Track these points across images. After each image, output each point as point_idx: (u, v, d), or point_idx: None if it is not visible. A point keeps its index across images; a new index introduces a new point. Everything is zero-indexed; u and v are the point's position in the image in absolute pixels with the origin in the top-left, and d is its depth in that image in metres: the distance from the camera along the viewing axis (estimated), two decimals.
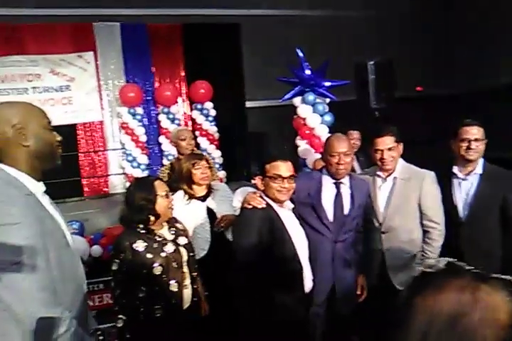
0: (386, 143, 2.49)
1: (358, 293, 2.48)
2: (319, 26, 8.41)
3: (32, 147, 1.39)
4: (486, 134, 2.57)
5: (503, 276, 0.73)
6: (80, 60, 7.92)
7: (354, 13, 8.70)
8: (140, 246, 2.10)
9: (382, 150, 2.50)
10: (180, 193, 2.67)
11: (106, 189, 7.95)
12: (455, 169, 2.64)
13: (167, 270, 2.10)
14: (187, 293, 2.18)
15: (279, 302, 2.02)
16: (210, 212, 2.66)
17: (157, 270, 2.08)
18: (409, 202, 2.51)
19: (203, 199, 2.69)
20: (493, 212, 2.51)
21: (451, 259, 0.78)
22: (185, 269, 2.19)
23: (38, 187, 1.43)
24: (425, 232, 2.52)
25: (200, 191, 2.69)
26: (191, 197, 2.66)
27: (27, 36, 7.60)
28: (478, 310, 0.68)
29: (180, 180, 2.70)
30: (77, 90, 7.85)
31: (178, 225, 2.32)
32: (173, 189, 2.78)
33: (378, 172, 2.59)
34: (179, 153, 3.50)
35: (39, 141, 1.40)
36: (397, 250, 2.49)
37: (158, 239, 2.16)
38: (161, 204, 2.14)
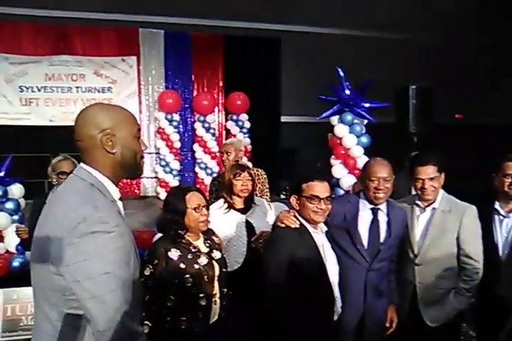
0: (428, 172, 2.43)
1: (387, 325, 2.40)
2: (362, 47, 8.40)
3: (117, 155, 1.33)
4: None
5: None
6: (123, 63, 8.16)
7: (398, 36, 8.65)
8: (174, 254, 2.10)
9: (423, 180, 2.44)
10: (220, 202, 2.69)
11: (137, 191, 8.11)
12: (497, 205, 2.57)
13: (198, 283, 2.09)
14: (215, 308, 2.16)
15: (306, 329, 1.97)
16: (249, 226, 2.65)
17: (188, 281, 2.08)
18: (447, 235, 2.43)
19: (243, 211, 2.69)
20: None
21: None
22: (216, 284, 2.17)
23: (117, 194, 1.37)
24: (462, 269, 2.42)
25: (239, 203, 2.69)
26: (230, 207, 2.67)
27: (75, 38, 7.88)
28: None
29: (222, 188, 2.73)
30: (118, 93, 8.08)
31: (214, 238, 2.32)
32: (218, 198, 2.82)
33: (417, 202, 2.52)
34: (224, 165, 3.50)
35: (125, 150, 1.34)
36: (430, 284, 2.40)
37: (193, 250, 2.16)
38: (190, 217, 2.14)
